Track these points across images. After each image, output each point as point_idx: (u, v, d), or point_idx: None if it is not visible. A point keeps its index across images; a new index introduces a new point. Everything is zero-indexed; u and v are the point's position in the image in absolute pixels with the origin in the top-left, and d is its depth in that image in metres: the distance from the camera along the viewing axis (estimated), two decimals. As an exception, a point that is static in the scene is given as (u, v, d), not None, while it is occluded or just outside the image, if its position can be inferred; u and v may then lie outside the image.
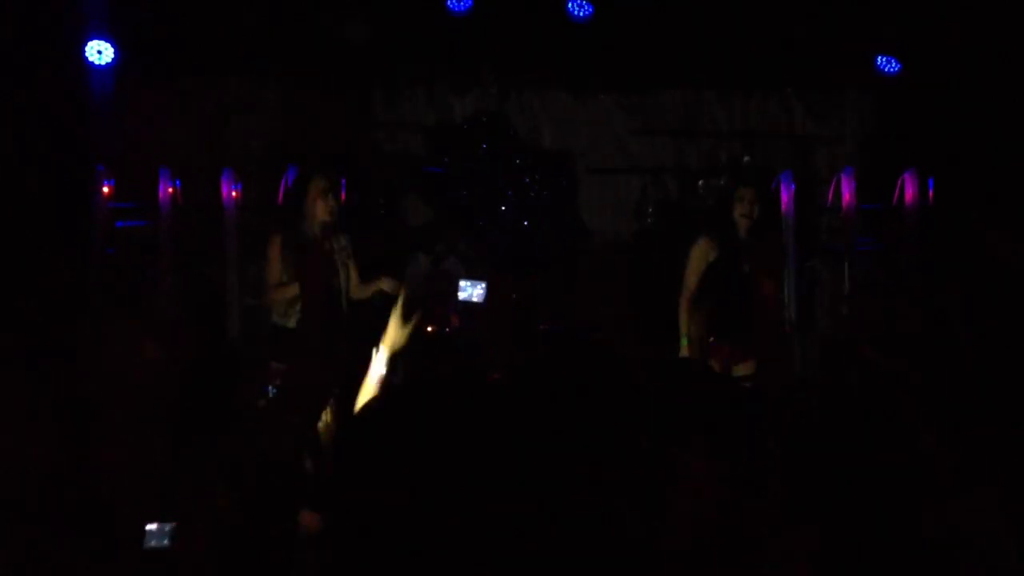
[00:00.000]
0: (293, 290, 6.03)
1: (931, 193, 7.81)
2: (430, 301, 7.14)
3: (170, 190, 7.71)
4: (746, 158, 8.70)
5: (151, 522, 2.77)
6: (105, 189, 7.65)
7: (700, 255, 6.39)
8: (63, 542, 2.59)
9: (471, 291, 6.30)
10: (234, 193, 7.73)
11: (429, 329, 7.16)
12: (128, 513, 2.75)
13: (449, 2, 8.41)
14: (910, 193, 7.77)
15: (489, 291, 6.27)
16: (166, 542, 2.76)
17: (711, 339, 6.09)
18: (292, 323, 6.06)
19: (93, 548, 2.62)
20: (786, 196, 7.71)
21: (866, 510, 2.71)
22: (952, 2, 8.06)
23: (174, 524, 2.78)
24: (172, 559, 2.75)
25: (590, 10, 8.55)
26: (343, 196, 6.68)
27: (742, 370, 6.03)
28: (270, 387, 4.70)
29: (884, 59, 8.55)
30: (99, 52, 7.98)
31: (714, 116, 9.16)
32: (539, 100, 9.02)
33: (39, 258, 7.02)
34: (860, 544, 2.66)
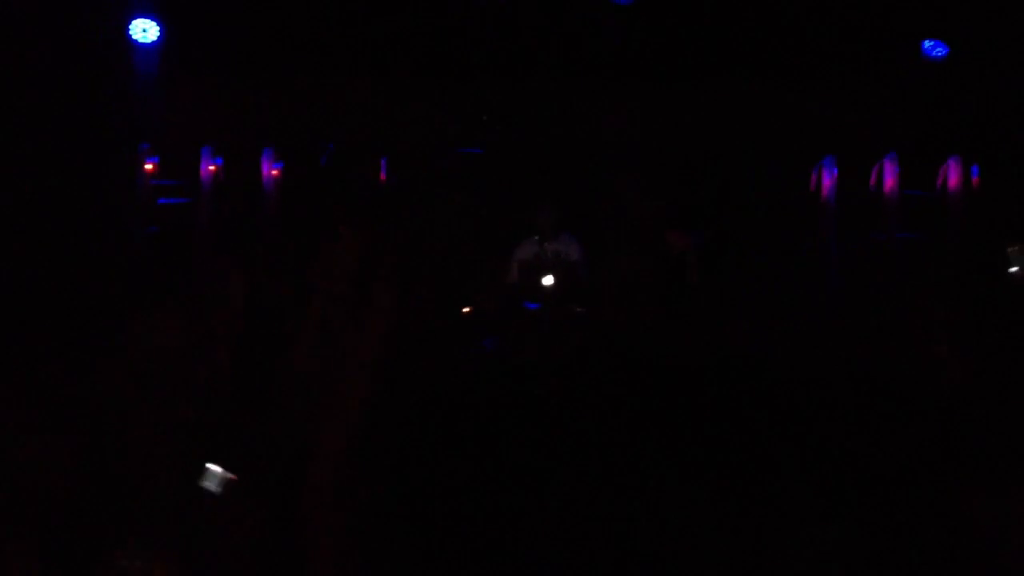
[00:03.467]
0: None
1: (975, 180, 7.71)
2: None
3: (211, 168, 7.77)
4: None
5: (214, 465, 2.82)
6: (148, 166, 7.72)
7: None
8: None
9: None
10: (274, 172, 7.78)
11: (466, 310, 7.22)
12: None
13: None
14: (953, 180, 7.68)
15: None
16: (218, 489, 2.83)
17: None
18: None
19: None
20: (828, 181, 7.65)
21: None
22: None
23: (231, 476, 2.83)
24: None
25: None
26: (383, 176, 6.71)
27: None
28: None
29: (931, 43, 8.42)
30: (144, 30, 8.04)
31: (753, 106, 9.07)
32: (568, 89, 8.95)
33: (84, 235, 7.10)
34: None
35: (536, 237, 7.61)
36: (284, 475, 2.88)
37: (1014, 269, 5.16)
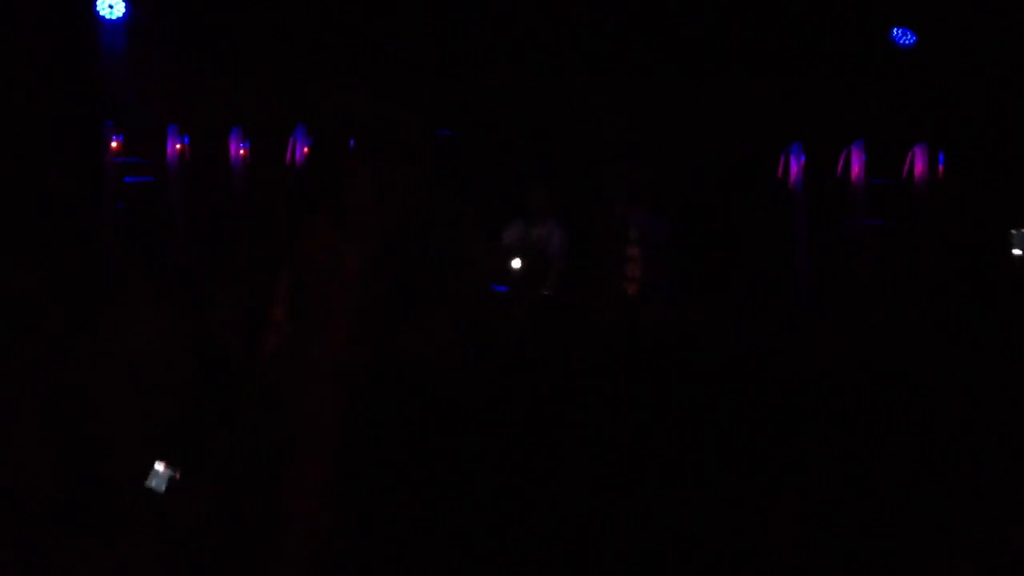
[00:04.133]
0: None
1: (941, 168, 7.79)
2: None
3: (178, 147, 7.68)
4: None
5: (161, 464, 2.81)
6: (113, 144, 7.62)
7: None
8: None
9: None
10: (242, 151, 7.71)
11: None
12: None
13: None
14: (920, 168, 7.75)
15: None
16: (162, 487, 2.84)
17: None
18: None
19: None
20: (795, 168, 7.70)
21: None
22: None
23: (175, 473, 2.83)
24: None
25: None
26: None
27: None
28: None
29: (899, 31, 8.48)
30: (110, 6, 7.92)
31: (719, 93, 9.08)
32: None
33: (51, 213, 7.00)
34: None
35: (522, 220, 7.62)
36: (264, 470, 2.87)
37: (1018, 252, 5.23)
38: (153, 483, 2.83)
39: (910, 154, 7.82)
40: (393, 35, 8.42)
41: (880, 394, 3.39)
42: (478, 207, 7.92)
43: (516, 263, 7.75)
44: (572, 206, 8.01)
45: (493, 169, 8.33)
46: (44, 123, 7.35)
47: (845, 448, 2.94)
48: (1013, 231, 6.53)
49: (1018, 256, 6.42)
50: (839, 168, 8.11)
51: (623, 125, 8.87)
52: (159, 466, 2.86)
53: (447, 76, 8.72)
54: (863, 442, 2.92)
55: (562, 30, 8.52)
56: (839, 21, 8.40)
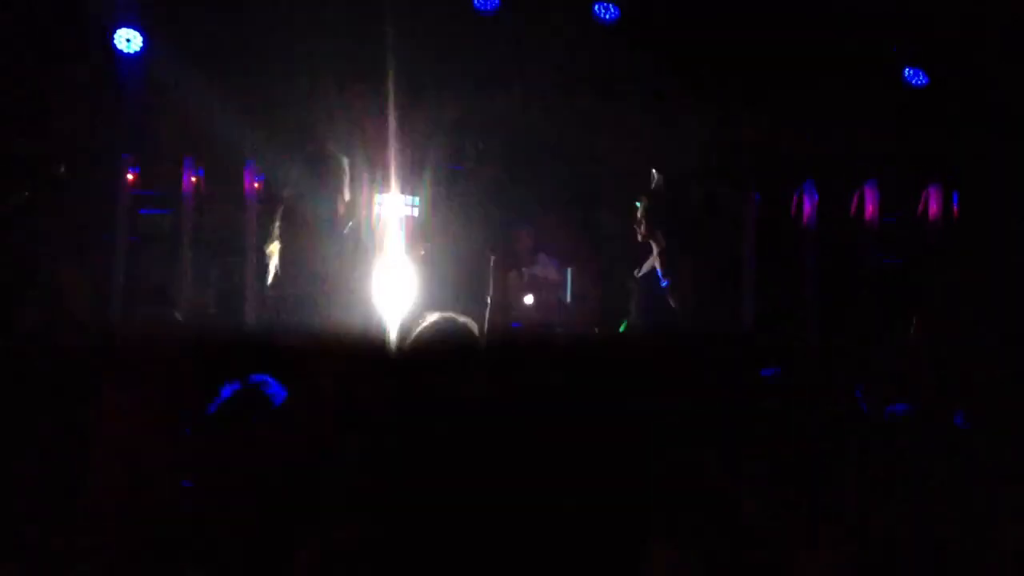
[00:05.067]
0: None
1: (955, 208, 7.78)
2: None
3: (193, 179, 7.72)
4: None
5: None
6: (129, 176, 7.66)
7: None
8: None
9: None
10: (256, 184, 7.73)
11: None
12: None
13: (476, 2, 8.42)
14: (934, 207, 7.74)
15: None
16: None
17: None
18: None
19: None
20: (809, 207, 7.69)
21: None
22: (980, 15, 8.02)
23: None
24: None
25: (616, 13, 8.54)
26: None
27: None
28: None
29: (912, 71, 8.52)
30: (127, 40, 7.99)
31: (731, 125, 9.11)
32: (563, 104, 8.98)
33: (65, 243, 7.04)
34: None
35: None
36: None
37: None
38: None
39: (924, 193, 7.81)
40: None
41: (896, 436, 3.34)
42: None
43: (528, 299, 7.76)
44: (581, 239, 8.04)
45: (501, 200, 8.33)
46: (60, 154, 7.41)
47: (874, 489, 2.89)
48: None
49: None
50: (853, 206, 8.10)
51: (632, 159, 8.89)
52: None
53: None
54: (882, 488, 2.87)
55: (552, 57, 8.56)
56: (854, 60, 8.44)
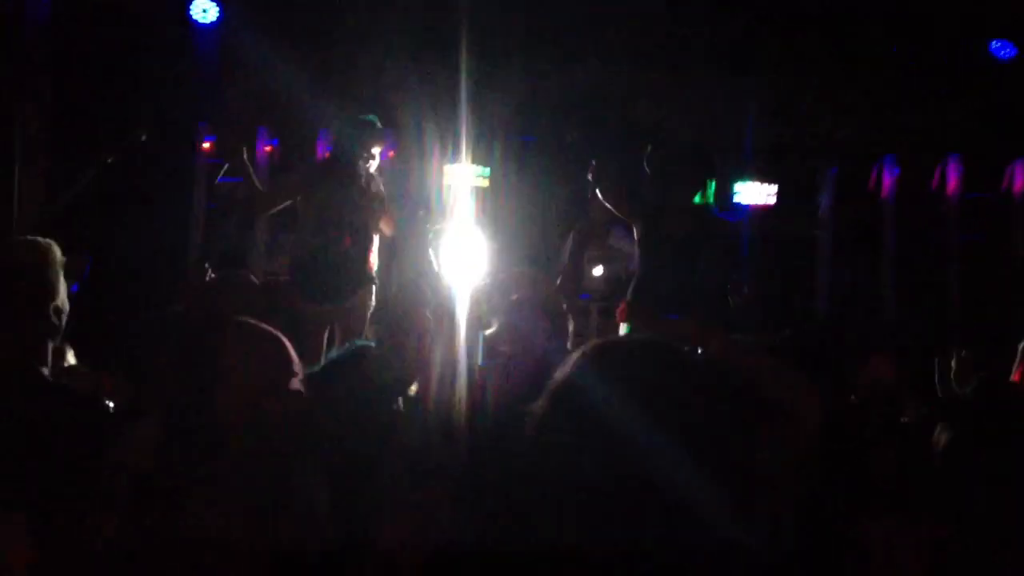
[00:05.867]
0: None
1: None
2: None
3: (267, 148, 7.78)
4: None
5: None
6: (206, 145, 7.75)
7: None
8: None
9: None
10: (327, 154, 7.76)
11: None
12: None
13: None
14: (1020, 182, 7.52)
15: None
16: None
17: None
18: None
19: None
20: (889, 181, 7.52)
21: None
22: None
23: None
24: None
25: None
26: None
27: None
28: None
29: (999, 43, 8.25)
30: (204, 11, 8.07)
31: (814, 98, 8.91)
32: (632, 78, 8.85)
33: (144, 214, 7.14)
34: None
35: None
36: None
37: None
38: None
39: (1009, 168, 7.59)
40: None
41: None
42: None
43: (598, 271, 7.70)
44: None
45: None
46: (139, 124, 7.50)
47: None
48: None
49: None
50: (935, 182, 7.90)
51: (707, 136, 8.76)
52: None
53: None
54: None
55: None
56: (938, 33, 8.21)
